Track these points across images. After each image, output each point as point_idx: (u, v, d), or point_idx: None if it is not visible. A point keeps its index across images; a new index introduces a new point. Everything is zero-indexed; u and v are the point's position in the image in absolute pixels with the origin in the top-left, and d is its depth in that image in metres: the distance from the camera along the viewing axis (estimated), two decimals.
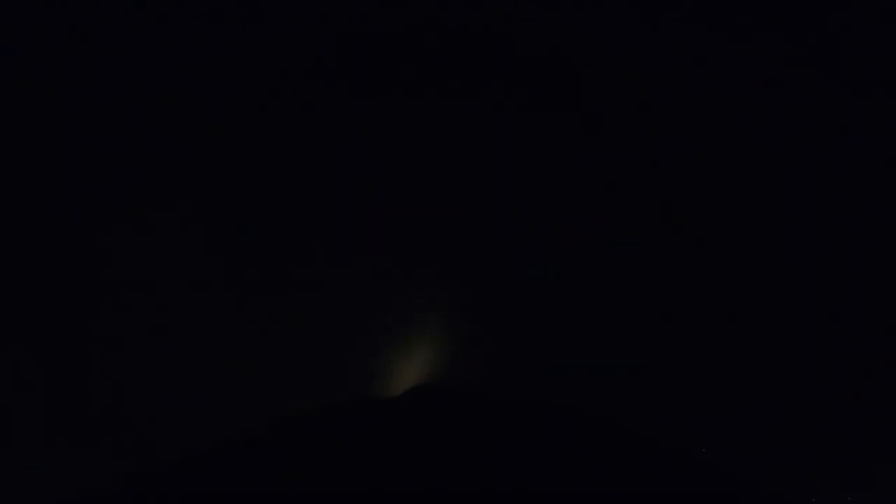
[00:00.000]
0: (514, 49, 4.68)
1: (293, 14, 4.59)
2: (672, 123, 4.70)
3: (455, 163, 4.75)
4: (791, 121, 4.62)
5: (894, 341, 4.49)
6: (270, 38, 4.59)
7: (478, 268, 4.72)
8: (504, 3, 4.70)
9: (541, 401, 4.11)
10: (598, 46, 4.61)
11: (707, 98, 4.60)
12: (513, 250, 4.72)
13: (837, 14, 4.42)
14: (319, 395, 4.43)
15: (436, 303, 4.64)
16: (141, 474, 3.13)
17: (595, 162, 4.73)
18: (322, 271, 4.67)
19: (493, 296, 4.65)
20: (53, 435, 4.41)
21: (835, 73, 4.51)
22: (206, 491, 2.84)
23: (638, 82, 4.60)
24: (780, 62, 4.59)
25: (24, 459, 4.36)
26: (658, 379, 4.56)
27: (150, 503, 2.83)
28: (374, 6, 4.53)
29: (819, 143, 4.62)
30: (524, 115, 4.76)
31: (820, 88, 4.55)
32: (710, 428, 4.38)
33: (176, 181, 4.58)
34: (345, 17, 4.74)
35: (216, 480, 2.96)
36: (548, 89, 4.77)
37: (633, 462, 3.25)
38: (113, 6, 4.40)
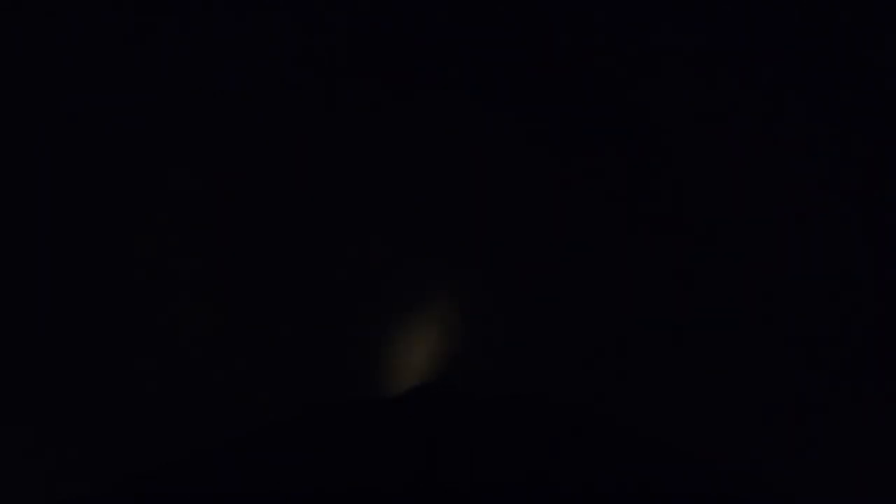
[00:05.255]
0: (516, 45, 4.71)
1: (293, 12, 4.62)
2: (673, 122, 4.73)
3: (455, 162, 4.77)
4: (794, 119, 4.64)
5: (894, 341, 4.51)
6: (270, 36, 4.62)
7: (478, 267, 4.74)
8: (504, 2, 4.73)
9: (541, 401, 4.12)
10: (596, 43, 4.64)
11: (705, 97, 4.63)
12: (513, 250, 4.75)
13: (842, 15, 4.44)
14: (319, 395, 4.45)
15: (436, 302, 4.67)
16: (141, 474, 3.13)
17: (595, 161, 4.75)
18: (321, 271, 4.70)
19: (494, 295, 4.68)
20: (53, 435, 4.42)
21: (837, 72, 4.53)
22: (206, 491, 2.85)
23: (637, 80, 4.63)
24: (782, 61, 4.61)
25: (24, 459, 4.38)
26: (658, 379, 4.58)
27: (150, 503, 2.84)
28: (369, 6, 4.58)
29: (819, 142, 4.63)
30: (525, 112, 4.79)
31: (822, 87, 4.57)
32: (710, 428, 4.41)
33: (175, 180, 4.60)
34: (344, 15, 4.76)
35: (216, 480, 2.97)
36: (548, 87, 4.80)
37: (634, 462, 3.26)
38: (113, 4, 4.42)
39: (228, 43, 4.29)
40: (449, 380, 4.07)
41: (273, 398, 4.16)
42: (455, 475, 2.66)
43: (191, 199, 4.56)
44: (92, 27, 4.11)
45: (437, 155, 4.64)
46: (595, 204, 4.60)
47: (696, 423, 4.13)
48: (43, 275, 4.28)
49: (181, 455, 3.10)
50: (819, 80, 4.23)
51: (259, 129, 4.55)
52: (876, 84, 4.05)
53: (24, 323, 4.21)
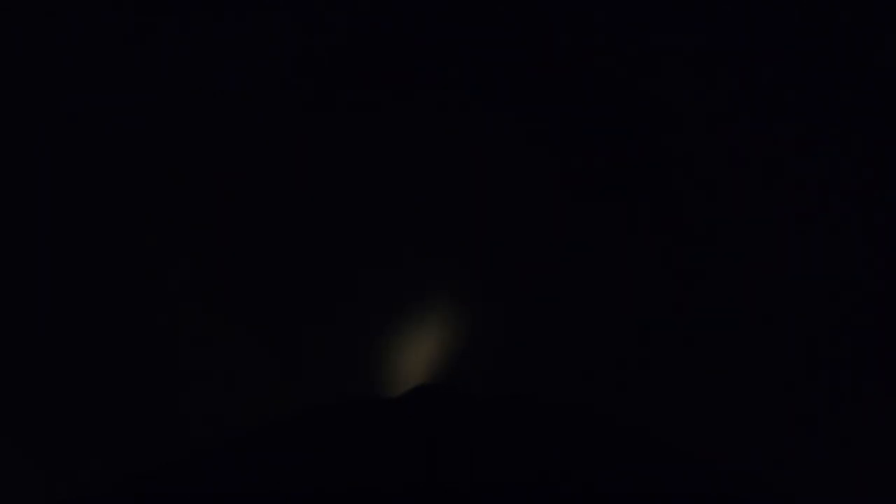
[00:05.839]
0: (516, 45, 4.74)
1: (292, 12, 4.64)
2: (673, 122, 4.75)
3: (455, 162, 4.79)
4: (794, 119, 4.67)
5: (895, 341, 4.54)
6: (269, 35, 4.64)
7: (477, 267, 4.76)
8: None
9: (542, 400, 4.14)
10: (596, 40, 4.66)
11: (706, 96, 4.66)
12: (512, 250, 4.77)
13: (842, 15, 4.47)
14: (319, 395, 4.47)
15: (437, 302, 4.69)
16: (141, 474, 3.14)
17: (595, 161, 4.78)
18: (321, 271, 4.72)
19: (494, 295, 4.70)
20: (53, 435, 4.45)
21: (837, 72, 4.56)
22: (205, 491, 2.86)
23: (637, 80, 4.65)
24: (782, 61, 4.63)
25: (24, 459, 4.40)
26: (658, 379, 4.60)
27: (150, 503, 2.85)
28: (369, 6, 4.61)
29: (819, 142, 4.66)
30: (524, 112, 4.81)
31: (822, 87, 4.59)
32: (710, 428, 4.43)
33: (175, 180, 4.62)
34: (344, 15, 4.79)
35: (216, 480, 2.98)
36: (548, 87, 4.82)
37: (634, 462, 3.28)
38: (113, 4, 4.44)
39: (228, 43, 4.30)
40: (449, 380, 4.07)
41: (273, 398, 4.17)
42: (455, 475, 2.66)
43: (191, 199, 4.57)
44: (92, 27, 4.11)
45: (437, 155, 4.64)
46: (595, 204, 4.61)
47: (696, 423, 4.13)
48: (43, 275, 4.29)
49: (181, 455, 3.11)
50: (819, 80, 4.24)
51: (259, 129, 4.55)
52: (876, 84, 4.05)
53: (23, 323, 4.22)
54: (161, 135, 4.33)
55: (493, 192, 4.60)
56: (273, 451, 3.07)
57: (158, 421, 4.06)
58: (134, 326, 4.26)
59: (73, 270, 4.24)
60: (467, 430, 3.15)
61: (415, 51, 4.39)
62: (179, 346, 4.24)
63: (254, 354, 4.26)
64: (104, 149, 4.27)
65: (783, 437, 4.03)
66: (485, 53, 4.40)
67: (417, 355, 4.13)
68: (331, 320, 4.37)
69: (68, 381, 4.16)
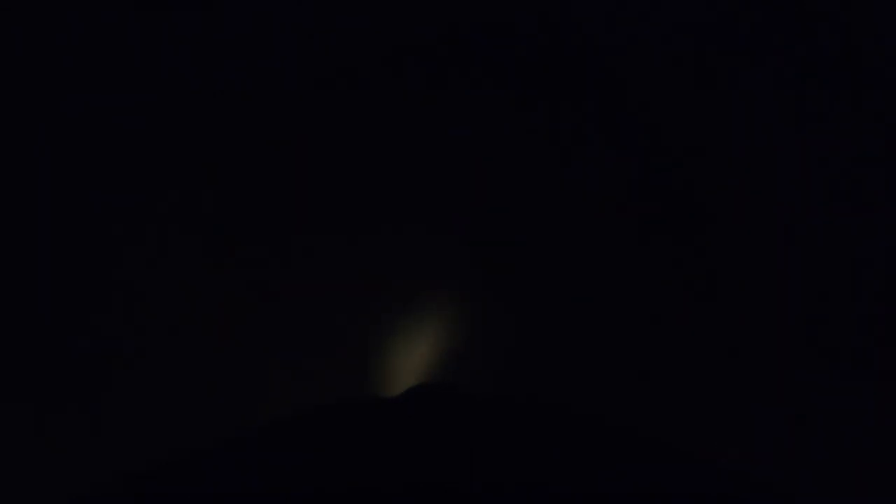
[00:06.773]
0: (518, 45, 4.70)
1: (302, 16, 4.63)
2: (673, 122, 4.72)
3: (456, 163, 4.76)
4: (794, 119, 4.64)
5: (895, 341, 4.51)
6: (277, 39, 4.62)
7: (478, 267, 4.74)
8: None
9: (541, 401, 4.10)
10: (597, 38, 4.64)
11: (707, 94, 4.62)
12: (513, 250, 4.75)
13: (842, 15, 4.45)
14: (319, 395, 4.45)
15: (436, 302, 4.67)
16: (141, 474, 3.12)
17: (596, 161, 4.75)
18: (322, 270, 4.70)
19: (494, 296, 4.68)
20: (53, 434, 4.43)
21: (837, 72, 4.53)
22: (204, 491, 2.84)
23: (636, 79, 4.62)
24: (782, 61, 4.60)
25: (24, 459, 4.38)
26: (658, 379, 4.58)
27: (150, 503, 2.83)
28: (369, 6, 4.58)
29: (820, 142, 4.63)
30: (526, 112, 4.78)
31: (822, 87, 4.56)
32: (710, 428, 4.41)
33: (175, 180, 4.60)
34: (344, 15, 4.77)
35: (215, 480, 2.96)
36: (549, 87, 4.79)
37: (634, 462, 3.25)
38: (113, 4, 4.42)
39: (228, 43, 4.28)
40: (449, 380, 4.07)
41: (273, 398, 4.15)
42: (455, 475, 2.65)
43: (191, 198, 4.55)
44: (92, 27, 4.11)
45: (439, 156, 4.63)
46: (595, 204, 4.59)
47: (696, 423, 4.12)
48: (43, 275, 4.27)
49: (181, 455, 3.11)
50: (819, 79, 4.22)
51: (259, 129, 4.54)
52: (876, 84, 4.04)
53: (24, 323, 4.20)
54: (161, 135, 4.31)
55: (494, 193, 4.58)
56: (273, 451, 3.05)
57: (159, 421, 4.05)
58: (133, 327, 4.24)
59: (74, 270, 4.23)
60: (467, 430, 3.14)
61: (415, 50, 4.37)
62: (179, 346, 4.23)
63: (254, 354, 4.25)
64: (104, 149, 4.26)
65: (783, 437, 4.02)
66: (486, 53, 4.39)
67: (417, 355, 4.12)
68: (331, 321, 4.35)
69: (69, 381, 4.15)
